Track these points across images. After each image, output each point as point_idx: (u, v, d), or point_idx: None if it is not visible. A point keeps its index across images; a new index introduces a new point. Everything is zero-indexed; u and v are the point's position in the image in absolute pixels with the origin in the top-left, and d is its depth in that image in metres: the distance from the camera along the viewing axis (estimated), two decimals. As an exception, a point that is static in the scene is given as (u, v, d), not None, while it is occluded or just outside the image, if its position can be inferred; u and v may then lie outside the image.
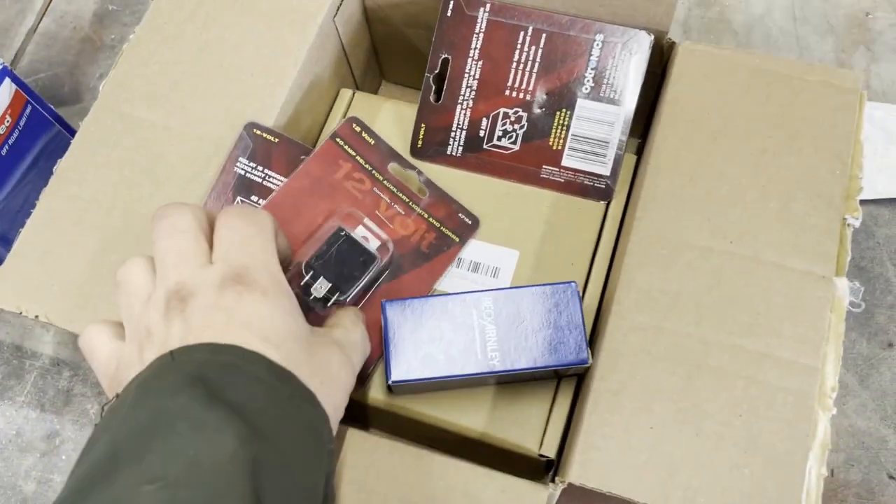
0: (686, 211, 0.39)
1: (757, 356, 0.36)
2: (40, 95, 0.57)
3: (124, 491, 0.25)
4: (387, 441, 0.36)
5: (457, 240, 0.42)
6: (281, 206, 0.41)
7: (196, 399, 0.27)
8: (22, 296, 0.40)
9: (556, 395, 0.40)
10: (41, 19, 0.73)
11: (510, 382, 0.40)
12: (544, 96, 0.45)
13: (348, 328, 0.36)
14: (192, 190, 0.42)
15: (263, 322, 0.30)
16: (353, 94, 0.50)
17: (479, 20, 0.46)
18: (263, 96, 0.44)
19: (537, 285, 0.38)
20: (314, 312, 0.39)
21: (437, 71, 0.46)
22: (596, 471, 0.35)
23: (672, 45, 0.45)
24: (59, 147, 0.58)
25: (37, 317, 0.40)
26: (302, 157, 0.43)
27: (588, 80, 0.45)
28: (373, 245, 0.40)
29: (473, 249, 0.43)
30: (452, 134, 0.46)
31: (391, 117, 0.48)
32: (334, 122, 0.49)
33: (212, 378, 0.28)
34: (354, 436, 0.36)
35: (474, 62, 0.46)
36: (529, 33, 0.45)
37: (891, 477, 0.54)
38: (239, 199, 0.42)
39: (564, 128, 0.45)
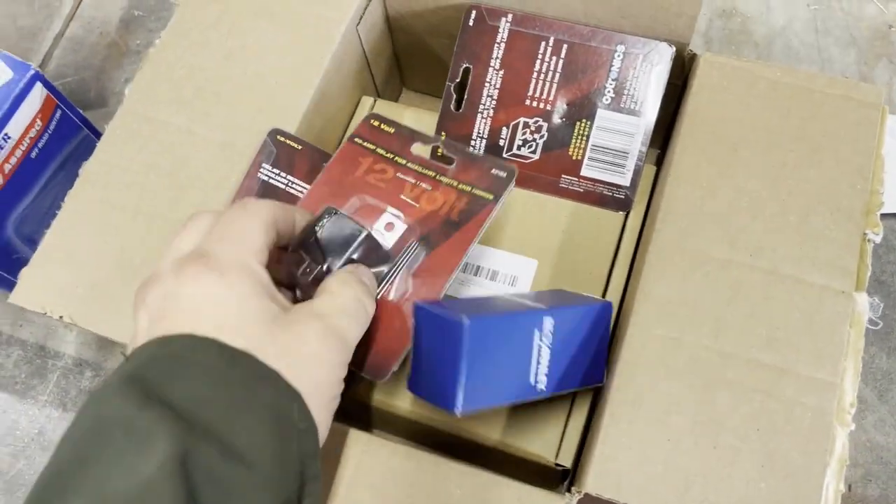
0: (705, 223, 0.39)
1: (775, 370, 0.36)
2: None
3: None
4: (404, 447, 0.36)
5: (490, 197, 0.39)
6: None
7: (130, 400, 0.26)
8: (47, 296, 0.41)
9: (573, 405, 0.40)
10: (69, 24, 0.74)
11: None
12: (565, 106, 0.45)
13: (334, 292, 0.34)
14: (216, 195, 0.43)
15: (217, 306, 0.29)
16: (375, 101, 0.50)
17: (500, 30, 0.46)
18: (286, 103, 0.44)
19: (584, 304, 0.38)
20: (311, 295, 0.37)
21: (458, 80, 0.47)
22: (612, 481, 0.35)
23: (693, 56, 0.45)
24: (86, 150, 0.59)
25: (61, 317, 0.40)
26: (324, 163, 0.43)
27: (609, 91, 0.45)
28: (398, 231, 0.39)
29: (492, 257, 0.44)
30: (472, 142, 0.47)
31: (412, 125, 0.48)
32: (355, 130, 0.49)
33: (150, 376, 0.27)
34: (372, 441, 0.36)
35: (495, 72, 0.46)
36: (551, 44, 0.45)
37: (909, 493, 0.53)
38: (261, 204, 0.42)
39: (584, 138, 0.45)
